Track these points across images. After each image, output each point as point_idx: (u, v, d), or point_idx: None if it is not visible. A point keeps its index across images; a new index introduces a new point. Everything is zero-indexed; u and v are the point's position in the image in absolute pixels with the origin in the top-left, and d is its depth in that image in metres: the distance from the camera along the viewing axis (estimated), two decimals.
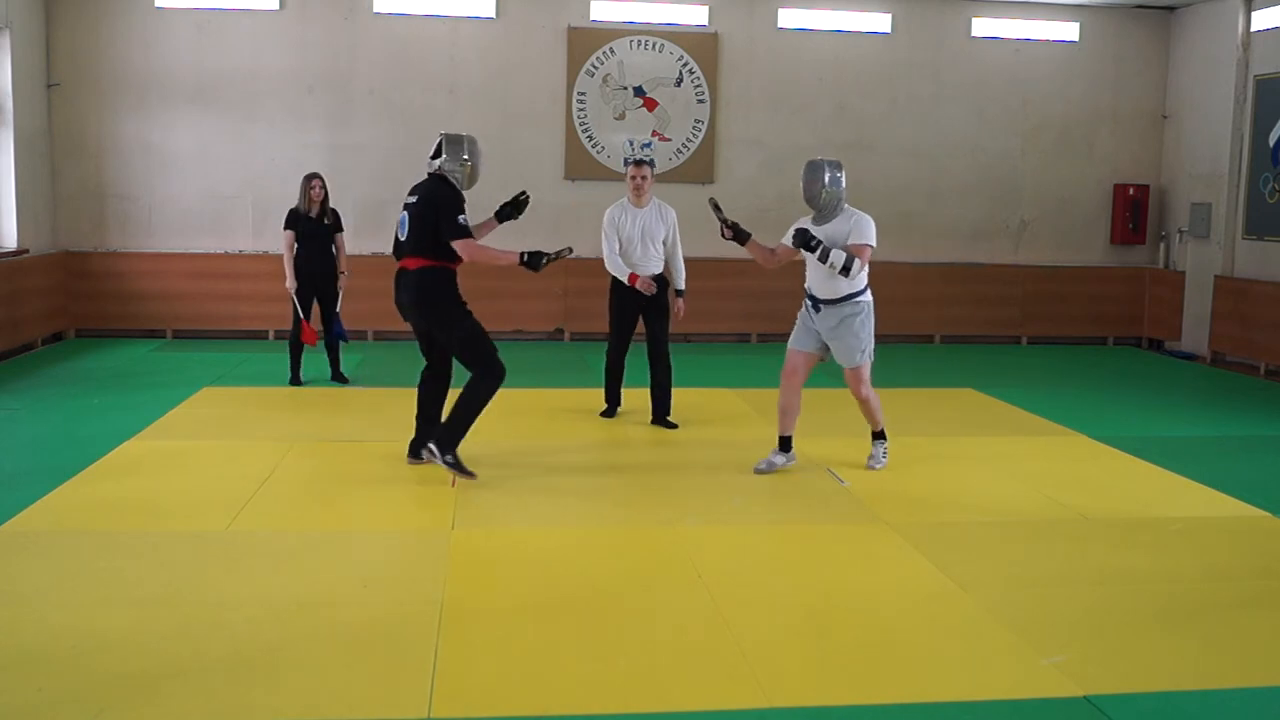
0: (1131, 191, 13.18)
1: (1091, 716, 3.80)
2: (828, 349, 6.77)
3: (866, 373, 6.77)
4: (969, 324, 13.10)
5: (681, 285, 8.18)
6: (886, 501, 6.29)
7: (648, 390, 8.16)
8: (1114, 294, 13.32)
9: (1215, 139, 12.40)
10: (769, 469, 6.82)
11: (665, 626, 4.50)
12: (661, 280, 7.98)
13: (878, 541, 5.63)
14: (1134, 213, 13.20)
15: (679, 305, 8.15)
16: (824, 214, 6.63)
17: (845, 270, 6.44)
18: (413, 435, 6.83)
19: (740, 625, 4.48)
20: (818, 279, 6.67)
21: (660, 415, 8.11)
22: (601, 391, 8.40)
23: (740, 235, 6.84)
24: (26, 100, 11.16)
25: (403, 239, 6.35)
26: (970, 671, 4.16)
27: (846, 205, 6.67)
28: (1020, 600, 4.84)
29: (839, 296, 6.62)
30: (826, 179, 6.54)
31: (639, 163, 8.00)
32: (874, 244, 6.59)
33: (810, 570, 5.24)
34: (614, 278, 7.95)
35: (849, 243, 6.51)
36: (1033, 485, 6.72)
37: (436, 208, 6.23)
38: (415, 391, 6.79)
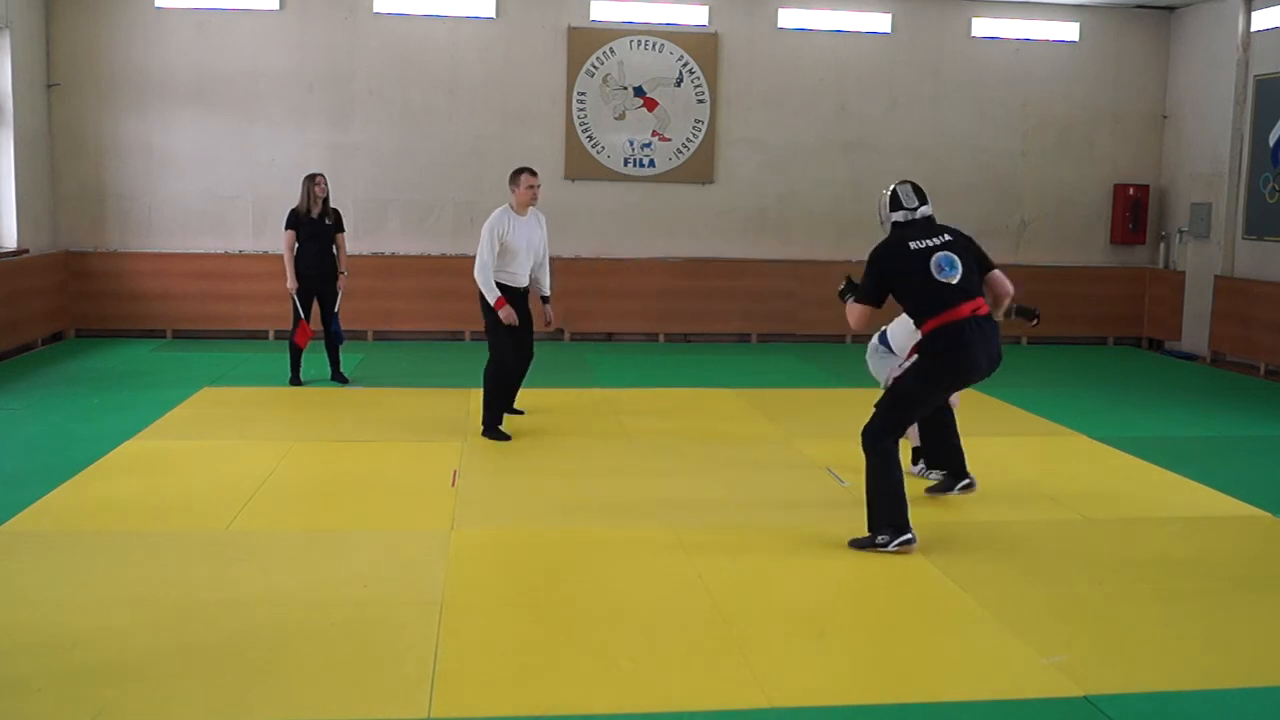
0: (1131, 191, 13.17)
1: (1091, 716, 3.80)
2: None
3: None
4: None
5: (548, 291, 7.86)
6: None
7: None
8: (1114, 294, 13.32)
9: (1215, 139, 12.40)
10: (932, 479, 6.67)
11: (665, 626, 4.49)
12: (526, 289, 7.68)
13: None
14: (1134, 213, 13.20)
15: (548, 311, 7.85)
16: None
17: None
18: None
19: (740, 625, 4.48)
20: None
21: (509, 405, 7.94)
22: (601, 390, 8.41)
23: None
24: (26, 100, 11.16)
25: (954, 282, 5.39)
26: (970, 671, 4.16)
27: None
28: (1020, 600, 4.84)
29: None
30: None
31: (534, 172, 7.56)
32: None
33: (810, 570, 5.23)
34: (503, 287, 7.41)
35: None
36: (1033, 485, 6.72)
37: (973, 243, 5.73)
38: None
